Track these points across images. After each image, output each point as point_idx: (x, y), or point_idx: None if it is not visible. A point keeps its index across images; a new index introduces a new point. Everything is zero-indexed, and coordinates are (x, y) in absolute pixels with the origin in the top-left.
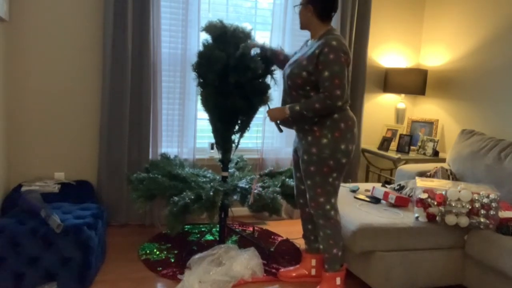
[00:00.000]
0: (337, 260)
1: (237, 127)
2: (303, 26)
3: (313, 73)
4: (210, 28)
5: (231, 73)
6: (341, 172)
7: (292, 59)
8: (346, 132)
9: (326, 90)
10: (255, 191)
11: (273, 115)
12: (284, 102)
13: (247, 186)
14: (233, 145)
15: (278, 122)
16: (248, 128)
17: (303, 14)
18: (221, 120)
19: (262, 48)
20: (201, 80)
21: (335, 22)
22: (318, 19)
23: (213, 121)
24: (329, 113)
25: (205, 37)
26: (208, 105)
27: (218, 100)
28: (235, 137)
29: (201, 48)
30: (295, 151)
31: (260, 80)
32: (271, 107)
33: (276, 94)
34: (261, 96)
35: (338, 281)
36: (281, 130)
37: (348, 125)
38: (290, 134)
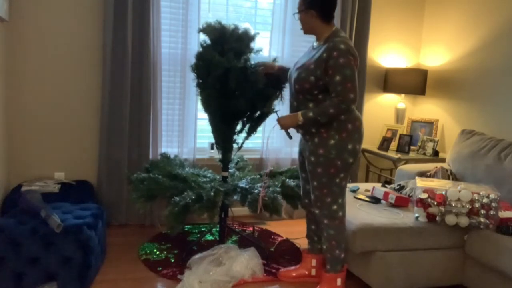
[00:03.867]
0: (339, 261)
1: (238, 127)
2: (307, 31)
3: (321, 77)
4: (209, 30)
5: (231, 79)
6: (347, 172)
7: (299, 62)
8: (353, 133)
9: (339, 94)
10: (265, 197)
11: (285, 123)
12: (291, 105)
13: (256, 190)
14: (236, 145)
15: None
16: (254, 132)
17: (306, 20)
18: (222, 121)
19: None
20: (200, 81)
21: (336, 22)
22: (322, 21)
23: (214, 121)
24: None
25: (204, 37)
26: (208, 106)
27: (220, 101)
28: (236, 137)
29: (199, 48)
30: (301, 153)
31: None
32: (279, 115)
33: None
34: (265, 101)
35: (338, 282)
36: (291, 137)
37: (356, 126)
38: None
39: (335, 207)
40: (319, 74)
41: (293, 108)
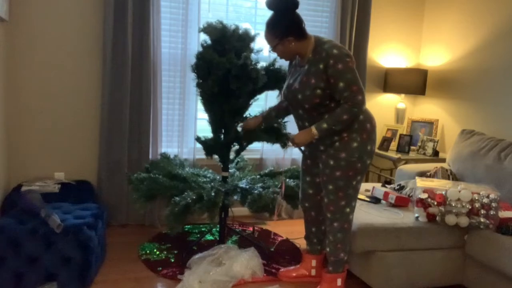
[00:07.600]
0: (342, 263)
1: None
2: (291, 58)
3: (325, 87)
4: (210, 30)
5: (232, 80)
6: (364, 174)
7: (292, 83)
8: (371, 133)
9: (348, 99)
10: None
11: (300, 141)
12: (302, 127)
13: (268, 191)
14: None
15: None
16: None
17: (286, 49)
18: (223, 120)
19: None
20: (201, 81)
21: (336, 22)
22: (301, 40)
23: (214, 121)
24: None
25: (204, 37)
26: (209, 105)
27: (220, 100)
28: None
29: (200, 48)
30: (309, 157)
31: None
32: (290, 133)
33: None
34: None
35: (339, 282)
36: (303, 152)
37: (373, 125)
38: None
39: (348, 210)
40: (323, 86)
41: (306, 129)
